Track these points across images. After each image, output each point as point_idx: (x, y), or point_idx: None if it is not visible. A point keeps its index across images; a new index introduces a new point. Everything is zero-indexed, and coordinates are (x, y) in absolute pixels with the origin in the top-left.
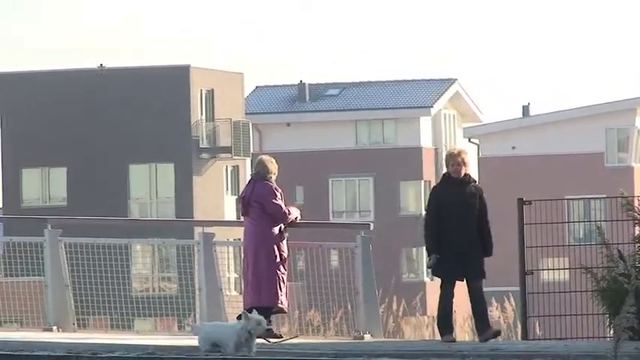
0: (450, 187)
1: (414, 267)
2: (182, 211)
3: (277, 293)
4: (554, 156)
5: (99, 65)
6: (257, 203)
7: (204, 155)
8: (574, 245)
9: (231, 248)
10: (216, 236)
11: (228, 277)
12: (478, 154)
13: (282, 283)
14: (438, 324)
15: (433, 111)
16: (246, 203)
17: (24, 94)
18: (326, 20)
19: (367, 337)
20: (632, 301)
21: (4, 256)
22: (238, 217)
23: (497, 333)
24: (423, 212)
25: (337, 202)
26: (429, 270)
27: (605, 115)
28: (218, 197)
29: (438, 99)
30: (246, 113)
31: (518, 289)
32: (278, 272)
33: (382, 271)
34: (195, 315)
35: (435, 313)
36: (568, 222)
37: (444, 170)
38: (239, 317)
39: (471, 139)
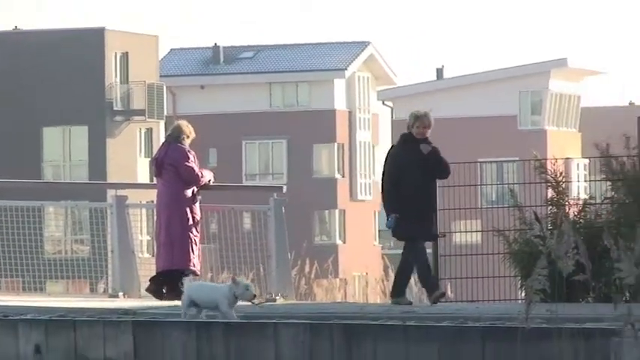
0: (408, 147)
1: (326, 229)
2: (95, 174)
3: (190, 256)
4: (468, 119)
5: (13, 27)
6: (170, 166)
7: (118, 118)
8: (486, 208)
9: (144, 210)
10: (129, 199)
11: (141, 240)
12: (392, 117)
13: (194, 246)
14: (394, 285)
15: (347, 74)
16: (159, 165)
17: None
18: None
19: (279, 300)
20: (545, 263)
21: None
22: (151, 180)
23: (443, 294)
24: (337, 175)
25: (250, 164)
26: (390, 230)
27: (519, 77)
28: (131, 160)
29: (352, 62)
30: (160, 76)
31: (430, 251)
32: (191, 235)
33: (295, 234)
34: (107, 277)
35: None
36: (481, 185)
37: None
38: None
39: (385, 102)
